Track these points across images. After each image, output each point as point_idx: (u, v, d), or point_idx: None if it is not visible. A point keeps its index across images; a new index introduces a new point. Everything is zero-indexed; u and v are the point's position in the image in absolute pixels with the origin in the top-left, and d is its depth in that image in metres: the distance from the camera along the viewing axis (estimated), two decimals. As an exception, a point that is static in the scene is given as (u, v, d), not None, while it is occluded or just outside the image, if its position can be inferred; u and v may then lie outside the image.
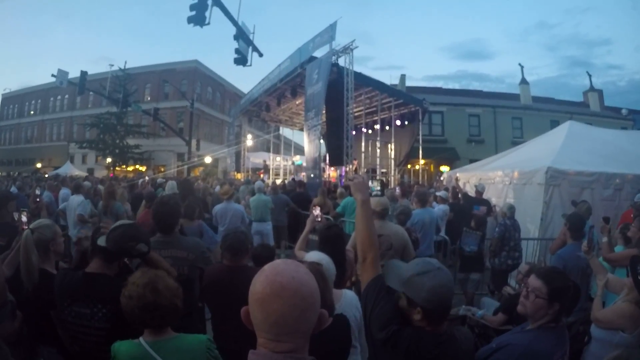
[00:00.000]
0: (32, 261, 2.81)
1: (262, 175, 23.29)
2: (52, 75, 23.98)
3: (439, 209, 8.45)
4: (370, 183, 3.13)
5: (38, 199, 5.31)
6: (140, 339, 2.10)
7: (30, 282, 2.78)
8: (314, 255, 2.82)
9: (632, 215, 6.71)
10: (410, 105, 20.73)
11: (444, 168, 23.13)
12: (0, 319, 2.34)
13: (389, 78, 48.08)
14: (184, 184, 8.47)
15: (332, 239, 3.39)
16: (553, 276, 2.41)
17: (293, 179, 16.96)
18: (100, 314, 2.49)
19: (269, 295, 1.10)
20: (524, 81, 33.80)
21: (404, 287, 1.88)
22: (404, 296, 1.86)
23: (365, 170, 19.23)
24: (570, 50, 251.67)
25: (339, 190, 10.92)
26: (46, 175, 25.50)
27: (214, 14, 12.36)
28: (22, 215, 3.36)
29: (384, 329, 1.89)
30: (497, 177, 9.64)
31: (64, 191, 10.32)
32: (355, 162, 17.03)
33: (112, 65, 34.72)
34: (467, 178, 11.07)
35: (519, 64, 39.62)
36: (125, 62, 37.36)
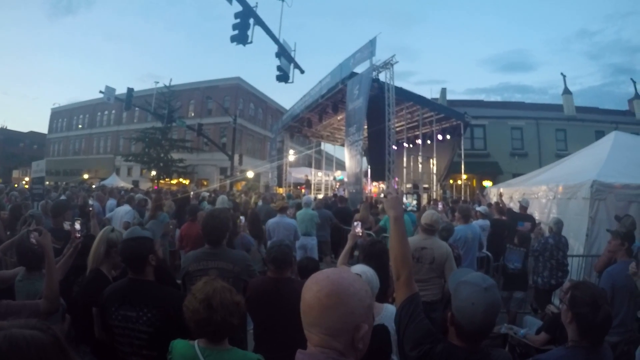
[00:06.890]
0: (100, 251, 3.18)
1: (303, 190, 23.50)
2: (100, 92, 25.09)
3: (477, 223, 8.26)
4: (405, 199, 3.17)
5: (90, 208, 5.53)
6: (195, 342, 2.18)
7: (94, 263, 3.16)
8: (358, 269, 2.91)
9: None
10: (451, 119, 20.53)
11: (487, 183, 22.78)
12: (53, 323, 2.48)
13: (430, 92, 47.89)
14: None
15: (376, 255, 3.46)
16: (579, 286, 2.39)
17: (335, 195, 17.06)
18: (145, 318, 2.61)
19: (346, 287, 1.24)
20: (566, 91, 32.72)
21: (451, 289, 1.96)
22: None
23: (398, 186, 19.11)
24: (613, 57, 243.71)
25: (380, 205, 10.96)
26: (93, 186, 26.54)
27: (256, 33, 12.72)
28: (76, 224, 3.57)
29: (417, 347, 1.91)
30: (540, 192, 9.44)
31: (111, 202, 10.93)
32: (396, 180, 17.02)
33: (158, 83, 36.12)
34: (511, 193, 10.93)
35: (562, 74, 38.52)
36: (170, 80, 38.50)
